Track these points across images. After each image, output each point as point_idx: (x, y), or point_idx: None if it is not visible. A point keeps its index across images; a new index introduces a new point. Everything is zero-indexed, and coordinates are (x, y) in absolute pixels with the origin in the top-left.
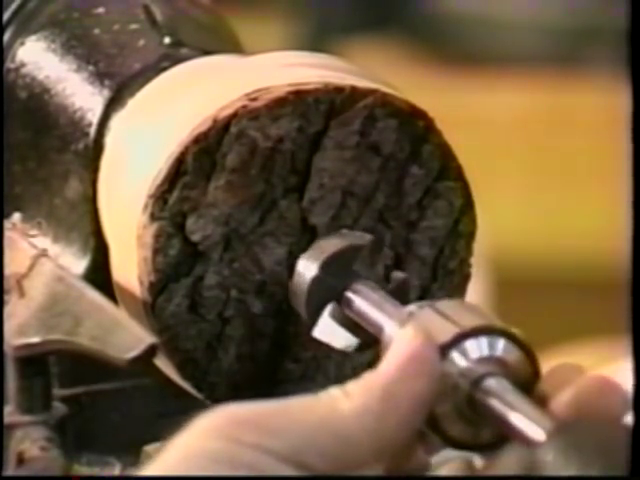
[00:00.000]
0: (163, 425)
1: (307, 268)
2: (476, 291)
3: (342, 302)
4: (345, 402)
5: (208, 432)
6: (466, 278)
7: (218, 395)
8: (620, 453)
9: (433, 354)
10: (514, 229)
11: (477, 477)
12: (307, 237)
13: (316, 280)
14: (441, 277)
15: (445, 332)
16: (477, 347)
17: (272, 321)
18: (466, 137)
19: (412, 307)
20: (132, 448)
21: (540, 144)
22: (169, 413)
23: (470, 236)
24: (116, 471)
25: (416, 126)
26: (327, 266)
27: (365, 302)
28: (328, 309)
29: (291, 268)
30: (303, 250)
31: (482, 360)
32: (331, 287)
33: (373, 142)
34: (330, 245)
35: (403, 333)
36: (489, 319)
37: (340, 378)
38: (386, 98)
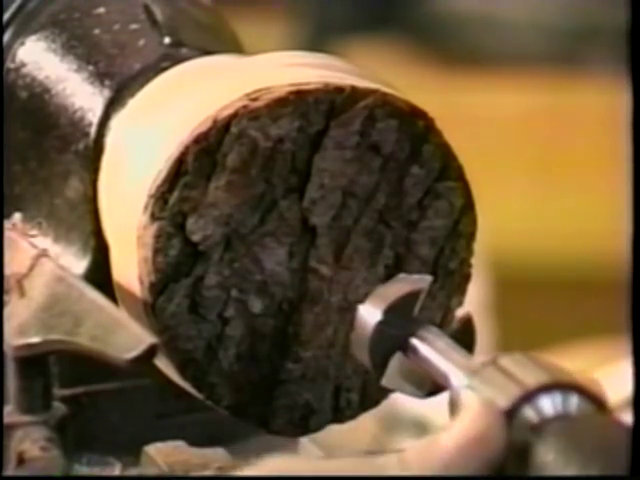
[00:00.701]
0: (163, 425)
1: (369, 316)
2: (476, 291)
3: (407, 349)
4: (398, 470)
5: None
6: (466, 278)
7: (218, 395)
8: (620, 452)
9: (496, 434)
10: (514, 229)
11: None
12: (307, 237)
13: (379, 329)
14: (441, 277)
15: (509, 393)
16: (549, 403)
17: (272, 321)
18: (466, 137)
19: (476, 365)
20: (132, 448)
21: (540, 144)
22: (169, 413)
23: (470, 236)
24: (116, 471)
25: (416, 126)
26: (390, 314)
27: (431, 350)
28: (395, 360)
29: (291, 268)
30: (303, 250)
31: (555, 416)
32: (395, 335)
33: (373, 142)
34: (390, 292)
35: (468, 409)
36: (555, 373)
37: (340, 378)
38: (386, 98)
